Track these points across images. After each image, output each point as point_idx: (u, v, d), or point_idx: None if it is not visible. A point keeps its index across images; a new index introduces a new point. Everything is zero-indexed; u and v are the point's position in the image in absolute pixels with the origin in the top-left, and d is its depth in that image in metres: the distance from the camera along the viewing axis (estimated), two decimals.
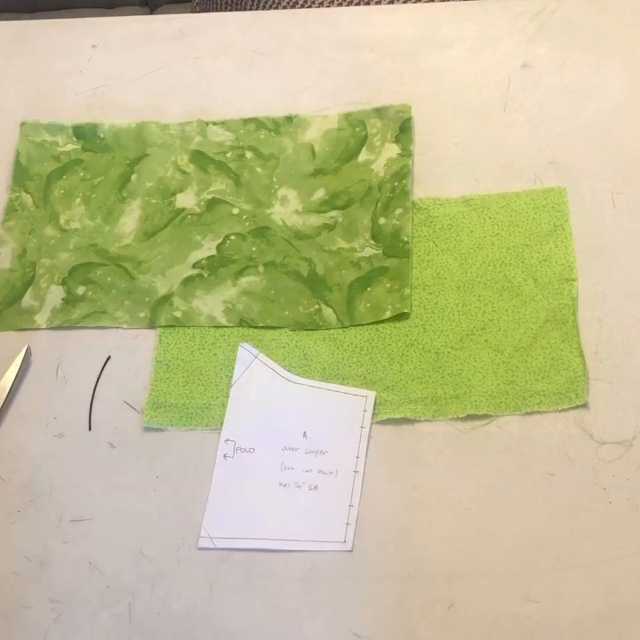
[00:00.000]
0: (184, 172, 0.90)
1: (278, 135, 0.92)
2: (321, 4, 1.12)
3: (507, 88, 0.92)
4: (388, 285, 0.82)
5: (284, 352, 0.80)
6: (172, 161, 0.91)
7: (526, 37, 0.95)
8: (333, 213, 0.86)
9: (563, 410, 0.74)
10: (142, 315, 0.83)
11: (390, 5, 1.05)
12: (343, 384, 0.78)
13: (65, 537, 0.74)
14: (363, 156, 0.89)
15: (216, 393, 0.79)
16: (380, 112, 0.91)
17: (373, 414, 0.76)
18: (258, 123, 0.93)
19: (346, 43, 0.97)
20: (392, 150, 0.89)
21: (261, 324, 0.82)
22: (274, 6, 1.14)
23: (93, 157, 0.93)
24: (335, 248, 0.85)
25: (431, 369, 0.78)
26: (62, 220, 0.89)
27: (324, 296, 0.82)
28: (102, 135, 0.94)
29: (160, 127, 0.94)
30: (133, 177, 0.91)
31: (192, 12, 1.34)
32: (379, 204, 0.86)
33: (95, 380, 0.80)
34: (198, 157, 0.91)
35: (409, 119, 0.90)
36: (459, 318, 0.80)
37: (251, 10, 1.16)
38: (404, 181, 0.87)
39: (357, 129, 0.91)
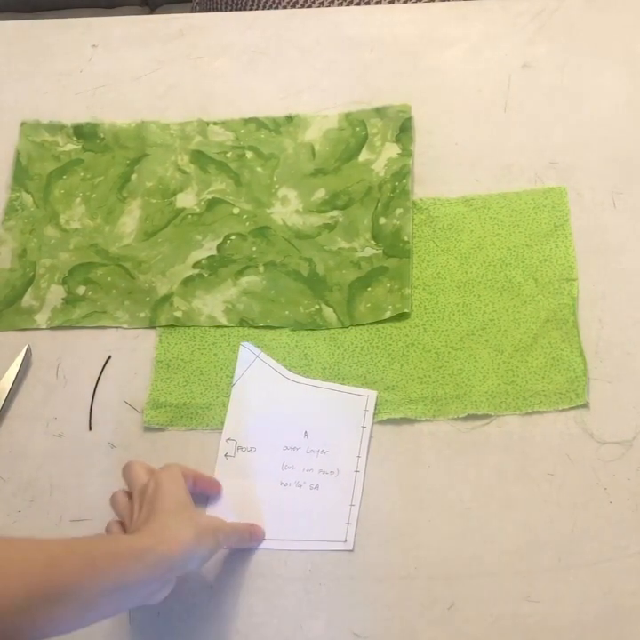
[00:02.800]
0: (184, 172, 0.90)
1: (278, 135, 0.92)
2: (321, 4, 1.12)
3: (507, 88, 0.92)
4: (389, 285, 0.82)
5: (285, 352, 0.80)
6: (172, 161, 0.91)
7: (526, 37, 0.95)
8: (334, 213, 0.86)
9: (563, 410, 0.75)
10: (142, 315, 0.83)
11: (390, 5, 1.05)
12: (344, 384, 0.78)
13: (65, 537, 0.73)
14: (363, 155, 0.89)
15: (216, 393, 0.79)
16: (380, 112, 0.91)
17: (374, 414, 0.76)
18: (258, 122, 0.93)
19: (346, 43, 0.97)
20: (392, 150, 0.89)
21: (262, 324, 0.81)
22: (274, 6, 1.14)
23: (93, 157, 0.93)
24: (335, 248, 0.85)
25: (431, 369, 0.78)
26: (62, 220, 0.89)
27: (325, 296, 0.82)
28: (102, 135, 0.94)
29: (160, 127, 0.94)
30: (133, 177, 0.91)
31: (192, 11, 1.34)
32: (379, 204, 0.86)
33: (95, 380, 0.80)
34: (198, 157, 0.91)
35: (409, 119, 0.90)
36: (459, 318, 0.80)
37: (251, 10, 1.15)
38: (404, 181, 0.87)
39: (358, 129, 0.91)
